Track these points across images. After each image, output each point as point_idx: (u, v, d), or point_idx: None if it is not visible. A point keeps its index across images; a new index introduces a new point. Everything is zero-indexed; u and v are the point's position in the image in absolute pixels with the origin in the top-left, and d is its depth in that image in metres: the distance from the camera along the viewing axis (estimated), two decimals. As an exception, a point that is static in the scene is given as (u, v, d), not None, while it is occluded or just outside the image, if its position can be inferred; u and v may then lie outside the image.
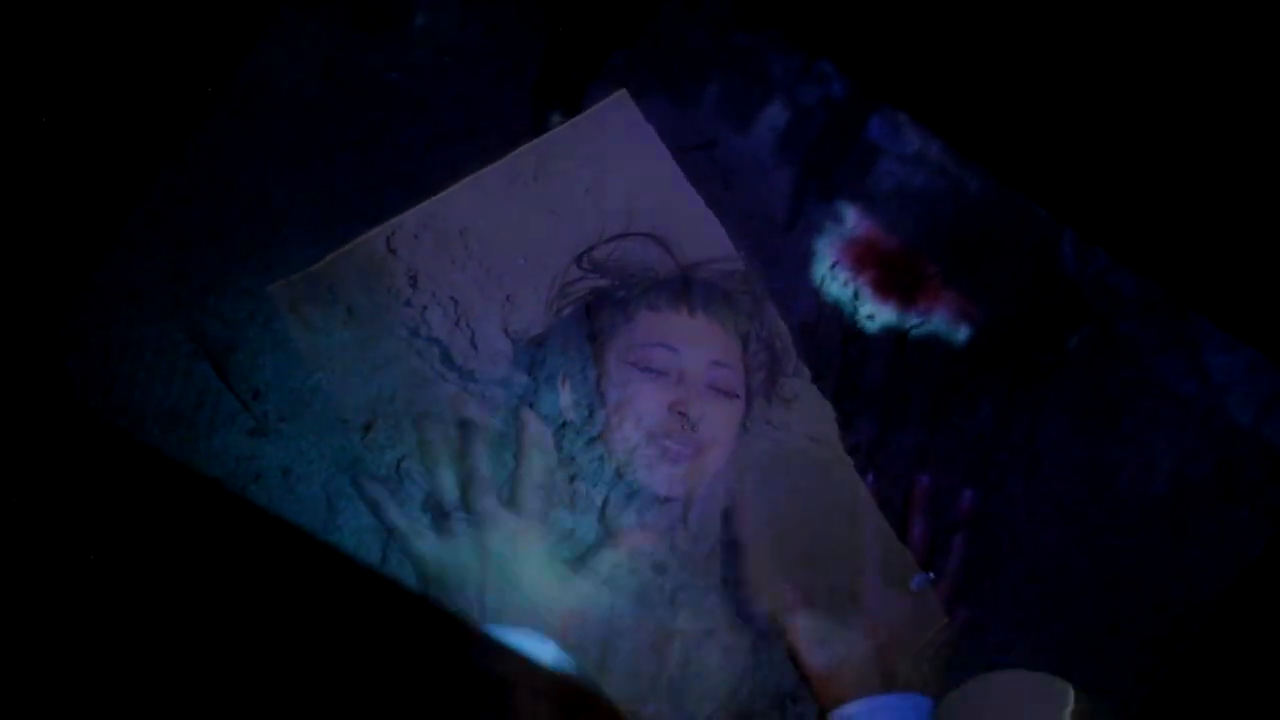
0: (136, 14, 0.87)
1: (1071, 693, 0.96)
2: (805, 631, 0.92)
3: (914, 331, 0.99)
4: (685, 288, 0.95)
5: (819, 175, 0.98)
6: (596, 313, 0.94)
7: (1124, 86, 1.02)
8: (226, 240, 0.86)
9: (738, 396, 0.95)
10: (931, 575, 0.95)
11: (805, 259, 0.98)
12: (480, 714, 0.77)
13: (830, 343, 0.97)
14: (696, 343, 0.93)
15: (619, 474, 0.90)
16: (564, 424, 0.90)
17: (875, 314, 0.98)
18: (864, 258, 0.98)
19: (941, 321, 0.99)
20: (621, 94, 0.95)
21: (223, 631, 0.84)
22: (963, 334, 1.00)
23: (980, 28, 1.01)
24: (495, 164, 0.91)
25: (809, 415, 0.97)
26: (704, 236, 0.97)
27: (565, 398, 0.91)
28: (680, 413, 0.91)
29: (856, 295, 0.99)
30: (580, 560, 0.88)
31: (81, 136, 0.87)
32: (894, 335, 0.99)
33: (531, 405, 0.89)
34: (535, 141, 0.93)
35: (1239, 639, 1.03)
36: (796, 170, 0.98)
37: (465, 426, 0.85)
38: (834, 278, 0.98)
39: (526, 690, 0.82)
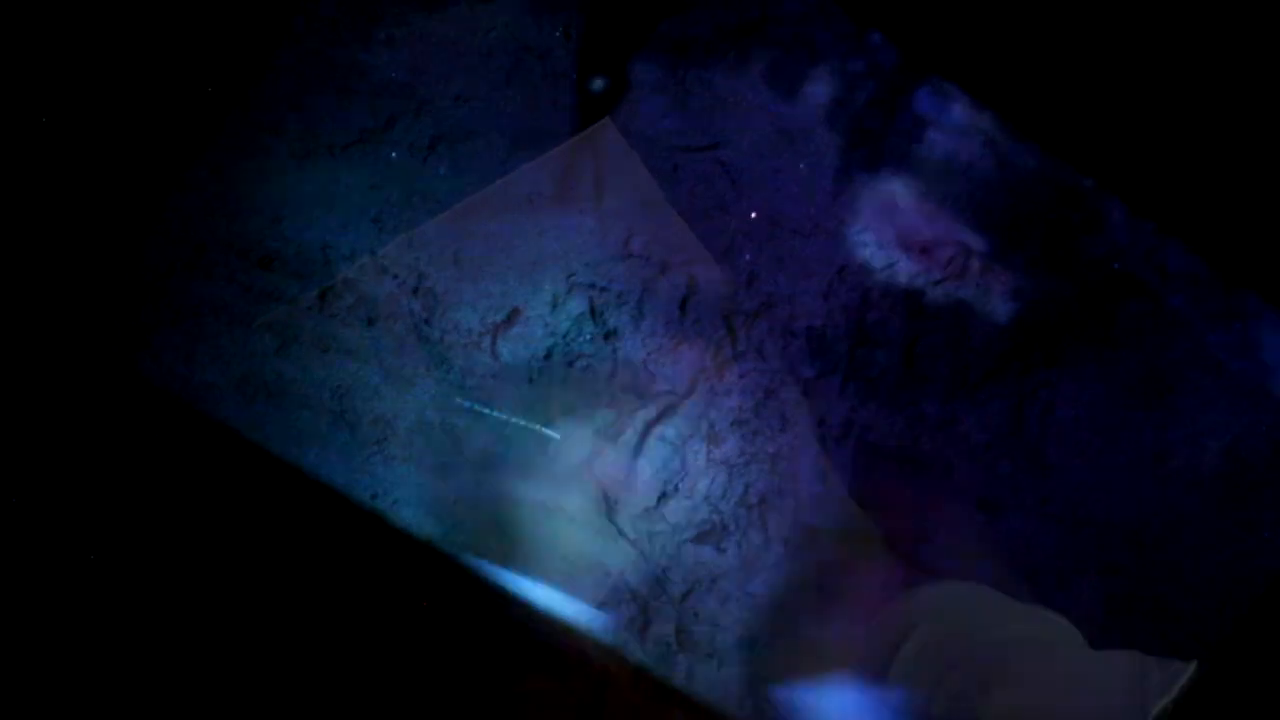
0: (141, 12, 0.86)
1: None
2: None
3: (957, 303, 0.98)
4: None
5: (865, 146, 0.97)
6: None
7: (1178, 60, 1.01)
8: (230, 230, 0.86)
9: None
10: None
11: (817, 256, 0.98)
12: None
13: (838, 344, 0.97)
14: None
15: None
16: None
17: (894, 306, 0.97)
18: (904, 233, 0.98)
19: (985, 296, 0.98)
20: (604, 122, 0.98)
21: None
22: (1010, 308, 0.99)
23: None
24: (496, 182, 0.92)
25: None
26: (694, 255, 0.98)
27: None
28: None
29: (865, 301, 0.98)
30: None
31: (77, 139, 0.87)
32: (912, 329, 0.98)
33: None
34: (532, 163, 0.93)
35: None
36: (843, 140, 0.97)
37: None
38: (842, 282, 0.98)
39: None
